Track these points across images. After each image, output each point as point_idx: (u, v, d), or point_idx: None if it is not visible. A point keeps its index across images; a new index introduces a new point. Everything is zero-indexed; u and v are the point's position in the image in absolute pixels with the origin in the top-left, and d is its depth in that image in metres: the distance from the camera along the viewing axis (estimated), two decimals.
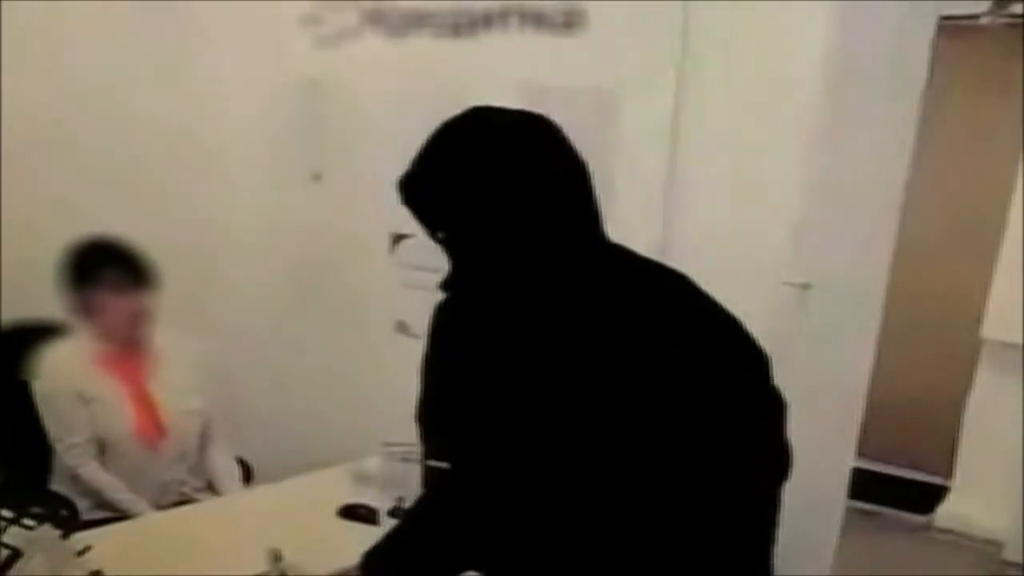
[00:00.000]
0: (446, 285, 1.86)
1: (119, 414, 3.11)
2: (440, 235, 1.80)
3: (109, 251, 3.11)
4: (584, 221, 1.78)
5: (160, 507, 3.12)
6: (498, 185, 1.71)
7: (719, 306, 1.79)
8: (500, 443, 1.76)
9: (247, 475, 3.47)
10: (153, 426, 3.16)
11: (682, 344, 1.71)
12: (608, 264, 1.79)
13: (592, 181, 1.79)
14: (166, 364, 3.24)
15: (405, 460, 2.91)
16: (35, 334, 3.16)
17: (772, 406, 1.79)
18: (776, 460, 1.78)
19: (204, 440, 3.33)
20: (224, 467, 3.34)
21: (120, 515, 3.02)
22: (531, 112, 1.80)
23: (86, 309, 3.10)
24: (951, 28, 2.88)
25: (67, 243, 3.09)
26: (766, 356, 1.78)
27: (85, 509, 3.05)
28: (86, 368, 3.09)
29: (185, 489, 3.25)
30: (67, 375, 3.06)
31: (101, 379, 3.11)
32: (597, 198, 1.80)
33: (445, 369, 1.88)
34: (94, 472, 3.07)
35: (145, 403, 3.16)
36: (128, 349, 3.17)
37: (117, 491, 3.07)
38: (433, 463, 1.93)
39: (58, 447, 3.06)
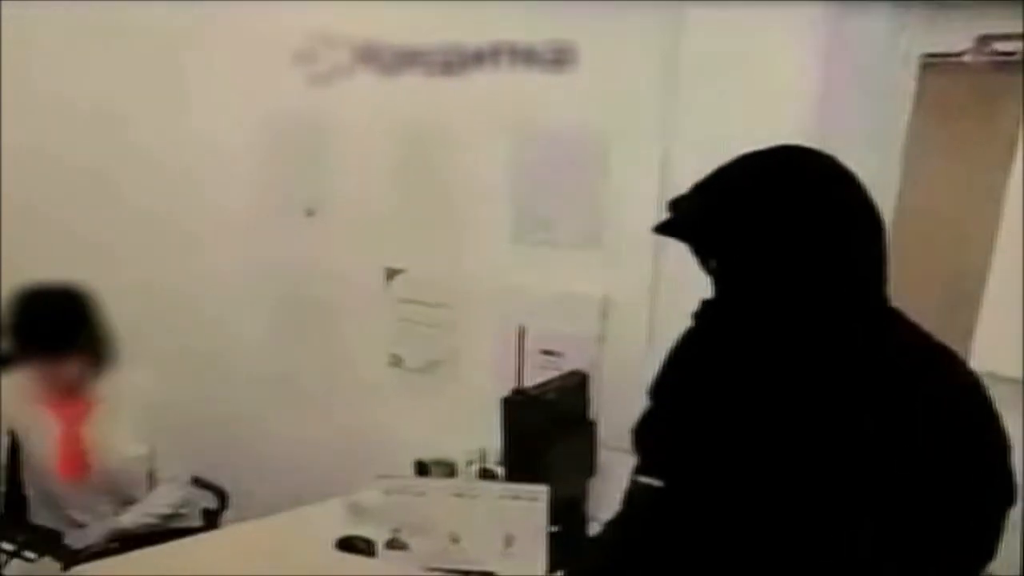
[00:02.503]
0: (704, 313, 1.85)
1: (44, 450, 3.17)
2: (712, 263, 1.78)
3: (53, 298, 3.12)
4: (870, 281, 1.75)
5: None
6: (800, 227, 1.67)
7: (972, 391, 1.72)
8: (721, 473, 1.76)
9: (222, 503, 3.54)
10: (77, 468, 3.18)
11: (921, 427, 1.64)
12: (878, 329, 1.74)
13: (886, 243, 1.76)
14: (112, 411, 3.25)
15: (400, 492, 2.94)
16: None
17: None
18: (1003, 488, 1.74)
19: (153, 482, 3.35)
20: (167, 503, 3.34)
21: None
22: (840, 163, 1.77)
23: (29, 356, 3.11)
24: (935, 65, 2.91)
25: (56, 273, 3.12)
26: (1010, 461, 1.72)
27: None
28: (21, 403, 3.15)
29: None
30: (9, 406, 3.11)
31: (35, 415, 3.17)
32: (887, 260, 1.76)
33: (685, 392, 1.90)
34: None
35: (73, 441, 3.19)
36: (67, 396, 3.19)
37: None
38: (644, 479, 1.96)
39: None
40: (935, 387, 1.68)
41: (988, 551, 1.72)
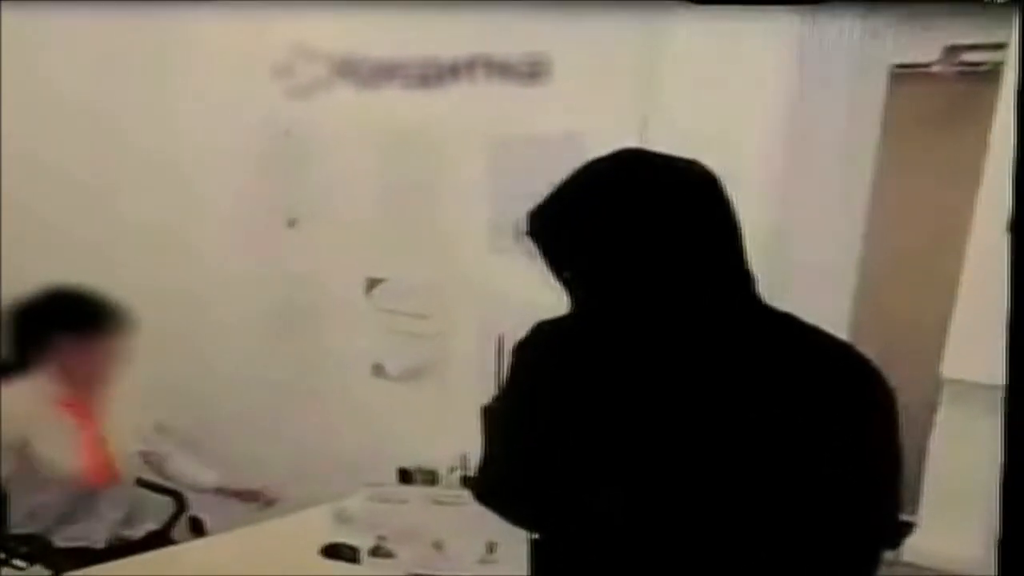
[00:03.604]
0: (559, 322, 1.76)
1: (67, 456, 3.15)
2: (566, 274, 1.70)
3: (74, 297, 3.17)
4: (728, 277, 1.67)
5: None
6: (640, 230, 1.60)
7: (870, 379, 1.65)
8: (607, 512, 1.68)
9: (180, 507, 3.55)
10: (103, 469, 3.21)
11: (805, 410, 1.58)
12: (748, 325, 1.67)
13: (743, 240, 1.69)
14: (122, 407, 3.29)
15: (383, 500, 2.97)
16: None
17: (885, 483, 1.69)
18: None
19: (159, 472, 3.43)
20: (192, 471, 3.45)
21: None
22: (689, 160, 1.68)
23: (47, 355, 3.15)
24: (905, 75, 2.96)
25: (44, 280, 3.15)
26: (898, 425, 1.66)
27: None
28: (41, 409, 3.14)
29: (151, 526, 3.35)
30: (18, 416, 3.08)
31: (50, 419, 3.15)
32: (748, 258, 1.69)
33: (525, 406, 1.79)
34: None
35: (97, 446, 3.21)
36: (86, 393, 3.22)
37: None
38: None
39: None
40: (820, 385, 1.62)
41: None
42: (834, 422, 1.59)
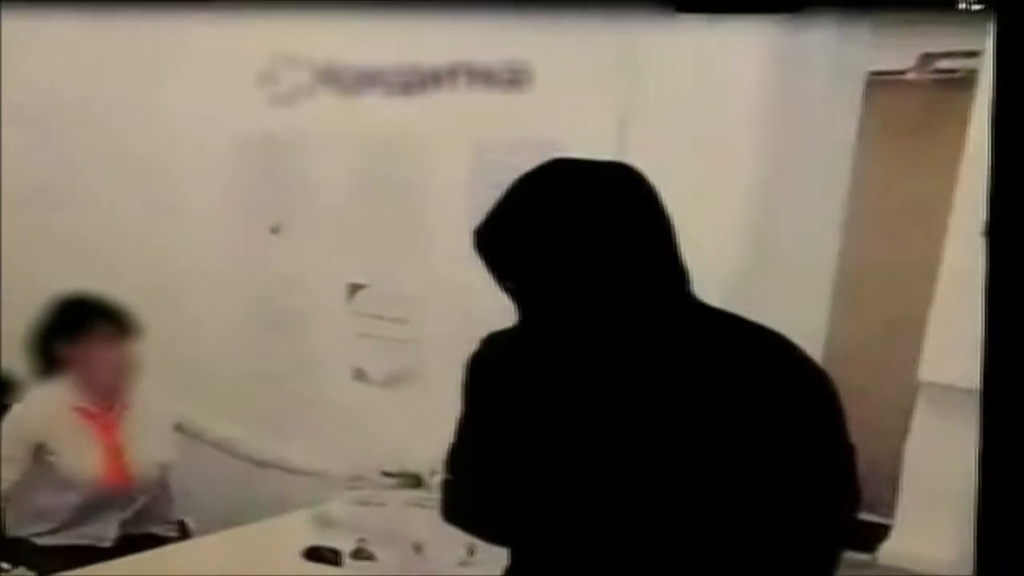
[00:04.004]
0: (509, 333, 1.78)
1: (87, 463, 3.18)
2: (509, 286, 1.74)
3: (96, 305, 3.21)
4: (664, 278, 1.71)
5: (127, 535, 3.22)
6: (570, 237, 1.65)
7: (808, 369, 1.71)
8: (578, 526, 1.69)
9: None
10: (121, 477, 3.23)
11: (749, 405, 1.62)
12: (688, 324, 1.70)
13: (676, 238, 1.73)
14: (141, 416, 3.31)
15: (365, 503, 2.99)
16: None
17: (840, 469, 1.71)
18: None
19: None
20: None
21: None
22: (615, 163, 1.75)
23: (70, 362, 3.18)
24: (880, 82, 2.99)
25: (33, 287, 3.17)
26: (841, 413, 1.70)
27: None
28: (60, 416, 3.17)
29: (155, 530, 3.33)
30: (35, 421, 3.14)
31: (74, 428, 3.18)
32: (682, 256, 1.73)
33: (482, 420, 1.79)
34: None
35: (116, 454, 3.23)
36: (107, 400, 3.24)
37: None
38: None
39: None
40: (758, 378, 1.66)
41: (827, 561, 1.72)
42: (776, 415, 1.62)
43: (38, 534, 3.15)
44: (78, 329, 3.20)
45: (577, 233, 1.64)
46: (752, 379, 1.65)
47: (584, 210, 1.66)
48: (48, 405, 3.18)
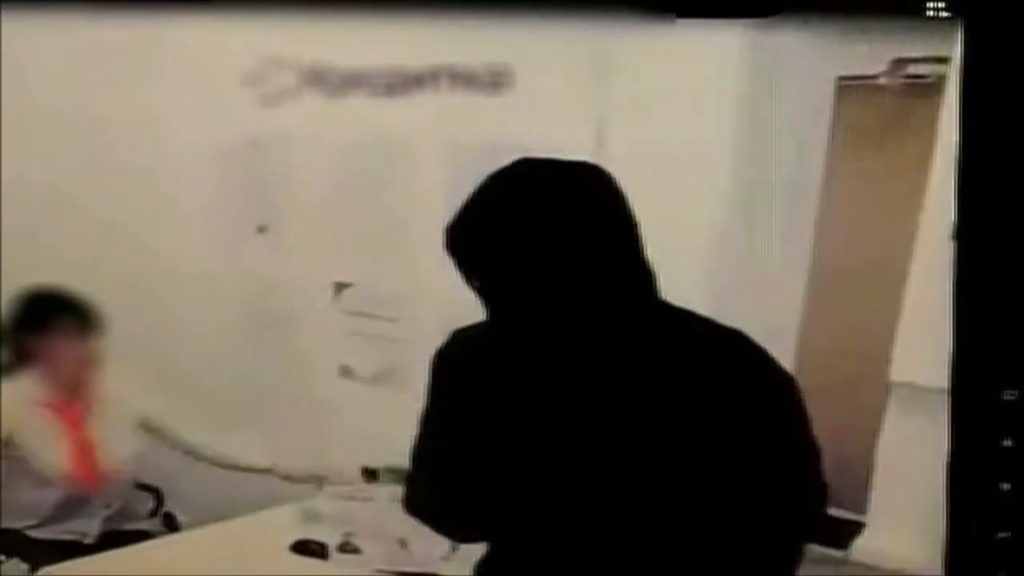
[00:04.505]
0: (476, 328, 1.84)
1: (55, 458, 3.23)
2: (476, 283, 1.76)
3: (60, 299, 3.26)
4: (628, 278, 1.73)
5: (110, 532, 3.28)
6: (535, 236, 1.66)
7: (769, 366, 1.74)
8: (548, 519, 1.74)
9: (158, 503, 3.63)
10: (89, 471, 3.28)
11: (712, 404, 1.66)
12: (652, 323, 1.73)
13: (642, 238, 1.74)
14: (108, 409, 3.36)
15: (351, 498, 3.03)
16: None
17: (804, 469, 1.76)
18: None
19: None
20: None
21: None
22: (582, 163, 1.75)
23: (34, 356, 3.22)
24: (851, 87, 3.03)
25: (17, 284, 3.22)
26: (803, 409, 1.74)
27: None
28: (26, 410, 3.21)
29: (140, 526, 3.40)
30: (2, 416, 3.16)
31: (41, 422, 3.23)
32: (647, 256, 1.75)
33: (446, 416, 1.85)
34: None
35: (84, 448, 3.28)
36: (72, 394, 3.28)
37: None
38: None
39: None
40: (729, 381, 1.69)
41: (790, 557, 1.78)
42: (738, 414, 1.67)
43: (28, 527, 3.19)
44: (42, 323, 3.25)
45: (542, 232, 1.66)
46: (715, 378, 1.68)
47: (550, 209, 1.67)
48: (13, 399, 3.20)
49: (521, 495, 1.76)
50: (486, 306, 1.78)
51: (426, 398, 1.91)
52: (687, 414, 1.65)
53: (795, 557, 1.79)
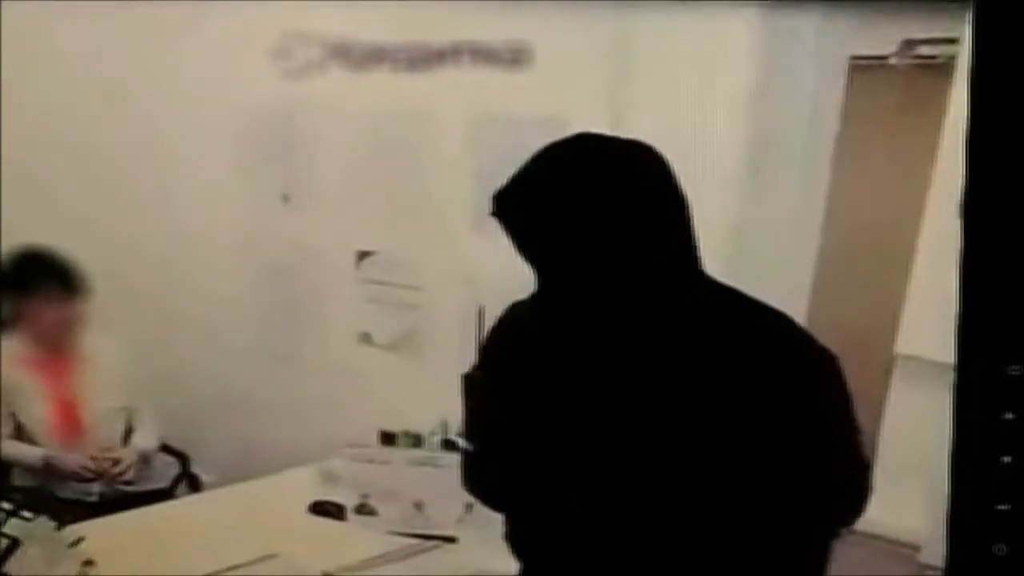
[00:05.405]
0: (524, 303, 1.83)
1: (39, 415, 3.31)
2: (527, 252, 1.71)
3: (42, 261, 3.31)
4: (678, 256, 1.71)
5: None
6: (592, 211, 1.63)
7: (814, 347, 1.71)
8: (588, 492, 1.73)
9: (184, 466, 3.70)
10: (72, 427, 3.35)
11: (757, 384, 1.64)
12: (698, 301, 1.72)
13: (692, 217, 1.71)
14: (91, 366, 3.43)
15: (367, 461, 3.09)
16: None
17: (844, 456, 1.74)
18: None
19: (128, 432, 3.53)
20: (144, 449, 3.51)
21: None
22: (637, 141, 1.72)
23: (16, 317, 3.31)
24: (862, 67, 3.08)
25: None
26: (847, 391, 1.71)
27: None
28: (9, 370, 3.27)
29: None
30: None
31: (24, 381, 3.31)
32: (696, 234, 1.72)
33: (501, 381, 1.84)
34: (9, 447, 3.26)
35: (66, 405, 3.36)
36: (54, 354, 3.36)
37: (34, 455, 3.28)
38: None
39: None
40: (775, 360, 1.68)
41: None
42: (782, 392, 1.66)
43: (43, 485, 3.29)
44: (25, 285, 3.31)
45: (598, 205, 1.64)
46: (762, 358, 1.68)
47: (606, 183, 1.65)
48: (3, 356, 3.28)
49: (566, 468, 1.76)
50: (536, 276, 1.75)
51: (478, 368, 1.90)
52: (734, 392, 1.64)
53: (835, 538, 1.80)
